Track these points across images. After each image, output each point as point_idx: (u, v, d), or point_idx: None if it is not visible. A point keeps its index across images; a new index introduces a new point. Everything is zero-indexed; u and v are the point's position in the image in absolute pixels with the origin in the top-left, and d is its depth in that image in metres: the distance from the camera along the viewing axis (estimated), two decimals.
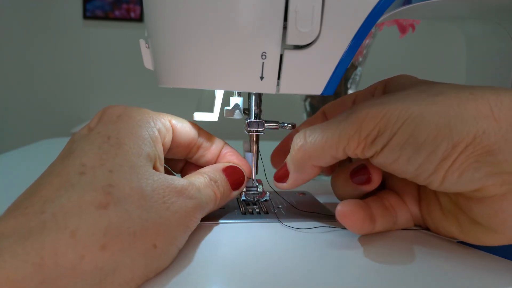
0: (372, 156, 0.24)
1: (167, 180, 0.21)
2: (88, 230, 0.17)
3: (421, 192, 0.27)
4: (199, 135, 0.28)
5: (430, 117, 0.21)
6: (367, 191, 0.27)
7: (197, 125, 0.28)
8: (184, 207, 0.21)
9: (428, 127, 0.21)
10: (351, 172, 0.27)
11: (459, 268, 0.21)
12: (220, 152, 0.29)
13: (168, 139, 0.25)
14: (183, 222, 0.21)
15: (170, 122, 0.26)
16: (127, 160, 0.20)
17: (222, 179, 0.26)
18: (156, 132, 0.23)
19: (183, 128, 0.26)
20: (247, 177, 0.29)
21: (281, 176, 0.28)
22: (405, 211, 0.27)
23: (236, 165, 0.28)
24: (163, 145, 0.25)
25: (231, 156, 0.29)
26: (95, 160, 0.19)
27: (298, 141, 0.26)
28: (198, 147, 0.28)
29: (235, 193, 0.28)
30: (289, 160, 0.27)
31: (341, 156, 0.25)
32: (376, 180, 0.27)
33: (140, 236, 0.18)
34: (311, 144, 0.25)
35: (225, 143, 0.29)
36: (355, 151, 0.24)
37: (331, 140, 0.24)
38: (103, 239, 0.17)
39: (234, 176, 0.27)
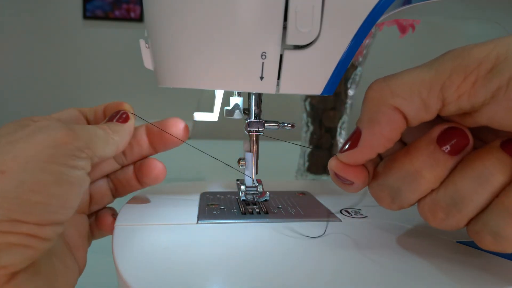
0: (492, 97, 0.17)
1: None
2: None
3: None
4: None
5: None
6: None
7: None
8: (42, 128, 0.19)
9: None
10: (440, 135, 0.19)
11: (459, 268, 0.21)
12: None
13: None
14: (44, 141, 0.19)
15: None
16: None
17: (100, 117, 0.26)
18: None
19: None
20: (130, 112, 0.27)
21: (351, 142, 0.21)
22: None
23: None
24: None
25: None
26: None
27: (375, 82, 0.20)
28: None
29: (126, 126, 0.25)
30: (362, 112, 0.21)
31: (435, 101, 0.18)
32: (471, 143, 0.20)
33: None
34: (394, 82, 0.19)
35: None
36: (460, 89, 0.18)
37: (423, 75, 0.18)
38: None
39: (112, 111, 0.26)
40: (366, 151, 0.20)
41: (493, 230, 0.19)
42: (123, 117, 0.26)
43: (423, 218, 0.21)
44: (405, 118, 0.19)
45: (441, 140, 0.20)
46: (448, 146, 0.19)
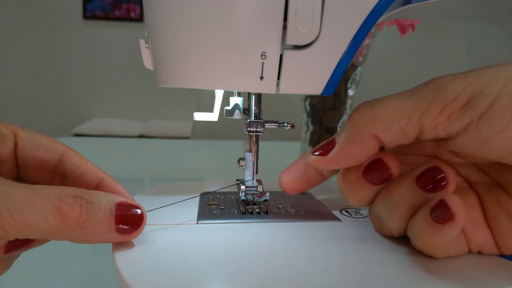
0: (465, 129, 0.19)
1: None
2: None
3: (489, 212, 0.22)
4: (65, 159, 0.22)
5: None
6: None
7: (70, 149, 0.23)
8: None
9: None
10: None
11: (459, 268, 0.21)
12: (98, 184, 0.23)
13: (4, 149, 0.21)
14: None
15: (13, 132, 0.22)
16: None
17: (106, 208, 0.20)
18: None
19: (31, 142, 0.22)
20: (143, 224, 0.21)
21: (324, 149, 0.22)
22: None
23: (136, 205, 0.21)
24: None
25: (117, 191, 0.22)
26: None
27: (362, 105, 0.21)
28: (63, 175, 0.22)
29: (116, 237, 0.20)
30: (343, 128, 0.22)
31: (412, 129, 0.20)
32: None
33: None
34: (378, 107, 0.20)
35: (107, 175, 0.23)
36: (436, 120, 0.19)
37: (405, 104, 0.20)
38: None
39: (127, 216, 0.20)
40: (332, 163, 0.22)
41: (416, 243, 0.21)
42: (132, 227, 0.21)
43: None
44: (381, 143, 0.21)
45: (365, 172, 0.22)
46: (371, 176, 0.22)
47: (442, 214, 0.19)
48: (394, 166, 0.22)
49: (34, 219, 0.17)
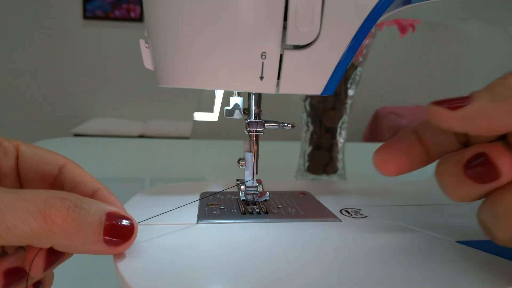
0: None
1: None
2: None
3: None
4: (64, 170, 0.22)
5: None
6: None
7: (69, 161, 0.23)
8: None
9: None
10: (469, 165, 0.18)
11: (459, 268, 0.21)
12: (93, 194, 0.22)
13: (7, 162, 0.22)
14: None
15: (16, 146, 0.22)
16: None
17: (95, 215, 0.18)
18: None
19: (33, 155, 0.22)
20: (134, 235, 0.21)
21: (454, 103, 0.18)
22: None
23: (128, 217, 0.20)
24: None
25: (111, 202, 0.22)
26: None
27: None
28: (61, 186, 0.23)
29: (103, 249, 0.19)
30: (488, 88, 0.17)
31: None
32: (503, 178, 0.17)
33: None
34: None
35: (102, 186, 0.23)
36: None
37: None
38: None
39: (117, 226, 0.19)
40: (458, 122, 0.17)
41: None
42: (122, 239, 0.20)
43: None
44: None
45: (467, 167, 0.18)
46: (473, 172, 0.18)
47: None
48: (504, 165, 0.17)
49: (14, 223, 0.16)
